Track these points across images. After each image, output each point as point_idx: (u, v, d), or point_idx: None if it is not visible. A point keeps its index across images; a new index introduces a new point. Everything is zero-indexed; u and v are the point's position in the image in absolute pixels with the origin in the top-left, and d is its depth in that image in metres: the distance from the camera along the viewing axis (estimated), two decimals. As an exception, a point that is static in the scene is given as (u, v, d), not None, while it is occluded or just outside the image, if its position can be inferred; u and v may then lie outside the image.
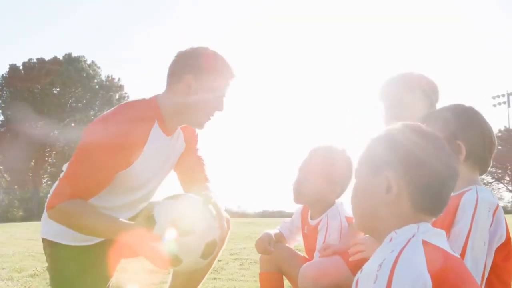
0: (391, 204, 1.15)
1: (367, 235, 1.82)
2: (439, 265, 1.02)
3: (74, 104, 35.21)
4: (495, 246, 1.57)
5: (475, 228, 1.53)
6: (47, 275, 2.69)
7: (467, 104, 1.74)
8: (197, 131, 2.44)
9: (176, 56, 2.18)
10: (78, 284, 2.24)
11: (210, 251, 1.93)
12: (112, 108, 2.21)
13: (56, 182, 2.21)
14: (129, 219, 2.22)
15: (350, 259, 1.92)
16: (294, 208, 2.57)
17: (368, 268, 1.08)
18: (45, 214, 2.29)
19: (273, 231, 2.50)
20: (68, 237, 2.24)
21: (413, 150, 1.15)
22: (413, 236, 1.09)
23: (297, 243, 2.58)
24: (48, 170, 34.72)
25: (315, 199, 2.36)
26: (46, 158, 34.74)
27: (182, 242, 1.86)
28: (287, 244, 2.52)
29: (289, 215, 2.68)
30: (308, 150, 2.42)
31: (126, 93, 38.79)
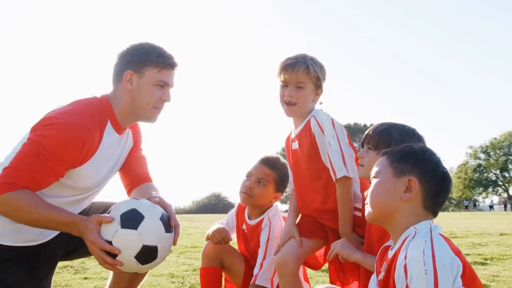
0: (406, 202, 1.53)
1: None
2: (458, 252, 1.42)
3: None
4: None
5: None
6: None
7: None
8: (142, 131, 2.50)
9: (116, 56, 2.24)
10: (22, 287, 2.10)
11: (167, 256, 2.05)
12: (65, 105, 2.15)
13: None
14: None
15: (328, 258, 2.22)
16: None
17: (412, 255, 1.39)
18: None
19: (210, 229, 2.69)
20: (11, 238, 2.10)
21: (430, 164, 1.56)
22: (430, 230, 1.48)
23: (232, 241, 2.82)
24: None
25: (262, 203, 2.67)
26: None
27: (147, 267, 1.96)
28: None
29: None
30: (258, 158, 2.72)
31: None
